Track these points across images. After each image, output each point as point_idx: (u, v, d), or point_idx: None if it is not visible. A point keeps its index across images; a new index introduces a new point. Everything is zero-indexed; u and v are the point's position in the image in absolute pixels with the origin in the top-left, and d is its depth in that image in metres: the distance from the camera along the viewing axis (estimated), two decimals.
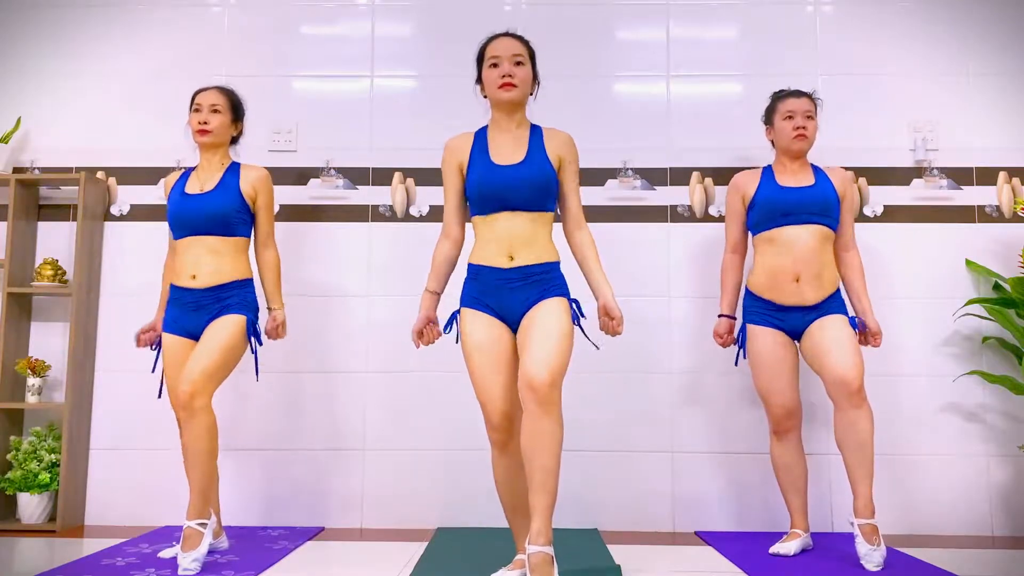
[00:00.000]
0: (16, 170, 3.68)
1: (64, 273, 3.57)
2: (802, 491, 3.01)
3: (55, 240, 3.66)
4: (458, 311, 2.51)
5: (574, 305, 2.46)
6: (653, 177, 3.65)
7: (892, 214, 3.60)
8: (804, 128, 2.99)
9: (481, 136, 2.55)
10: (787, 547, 2.91)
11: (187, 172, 2.97)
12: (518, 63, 2.49)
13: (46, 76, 3.76)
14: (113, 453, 3.54)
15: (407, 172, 3.66)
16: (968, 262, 3.54)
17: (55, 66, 3.76)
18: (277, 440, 3.54)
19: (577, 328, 2.45)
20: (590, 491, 3.47)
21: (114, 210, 3.68)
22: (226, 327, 2.78)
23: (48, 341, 3.62)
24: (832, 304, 2.92)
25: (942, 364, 3.52)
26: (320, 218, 3.66)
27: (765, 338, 2.96)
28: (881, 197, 3.61)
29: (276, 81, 3.74)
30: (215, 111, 2.93)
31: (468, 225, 2.58)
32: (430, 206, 3.64)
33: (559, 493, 2.32)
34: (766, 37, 3.72)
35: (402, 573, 2.66)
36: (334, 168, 3.67)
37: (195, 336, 2.83)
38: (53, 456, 3.38)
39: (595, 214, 3.52)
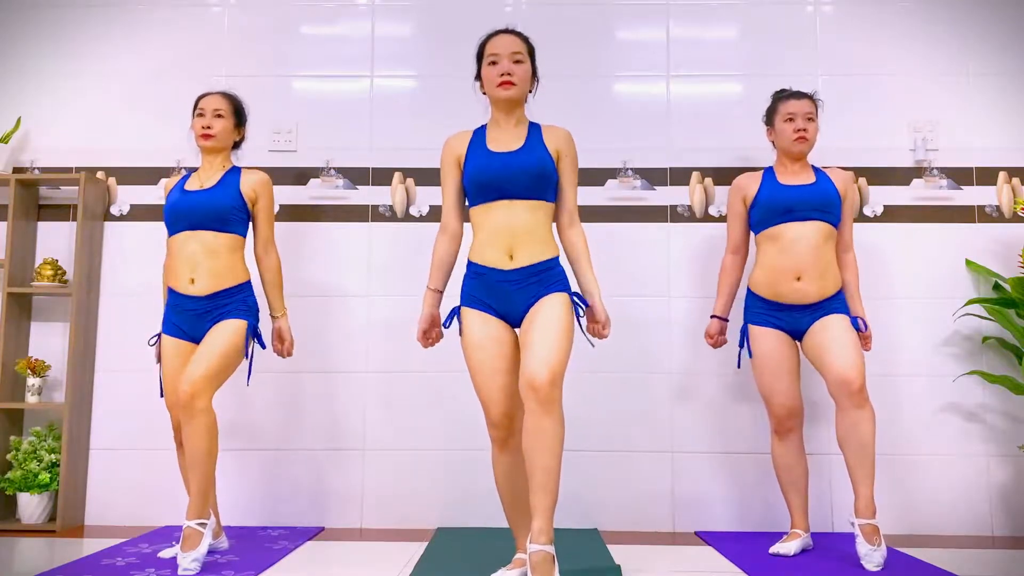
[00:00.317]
0: (16, 170, 3.68)
1: (64, 273, 3.57)
2: (803, 491, 3.01)
3: (55, 240, 3.66)
4: (458, 308, 2.51)
5: (575, 299, 2.46)
6: (653, 177, 3.65)
7: (892, 214, 3.60)
8: (805, 130, 2.99)
9: (480, 133, 2.56)
10: (787, 547, 2.91)
11: (187, 174, 2.98)
12: (517, 61, 2.49)
13: (46, 76, 3.76)
14: (113, 453, 3.54)
15: (407, 172, 3.66)
16: (968, 262, 3.55)
17: (55, 66, 3.76)
18: (277, 440, 3.54)
19: (578, 325, 2.45)
20: (590, 491, 3.47)
21: (114, 210, 3.68)
22: (227, 331, 2.77)
23: (48, 341, 3.62)
24: (834, 303, 2.92)
25: (942, 364, 3.52)
26: (320, 218, 3.66)
27: (767, 338, 2.96)
28: (881, 197, 3.61)
29: (276, 81, 3.74)
30: (218, 116, 2.93)
31: (468, 225, 2.58)
32: (430, 206, 3.64)
33: (559, 493, 2.32)
34: (766, 37, 3.73)
35: (402, 573, 2.66)
36: (334, 168, 3.67)
37: (195, 340, 2.83)
38: (53, 456, 3.38)
39: (595, 214, 3.52)
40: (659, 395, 3.53)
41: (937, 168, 3.59)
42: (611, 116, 3.69)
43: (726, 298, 3.14)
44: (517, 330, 2.47)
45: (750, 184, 3.06)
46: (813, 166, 3.06)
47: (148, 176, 3.67)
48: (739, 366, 3.17)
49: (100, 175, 3.68)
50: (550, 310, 2.37)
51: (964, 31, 3.70)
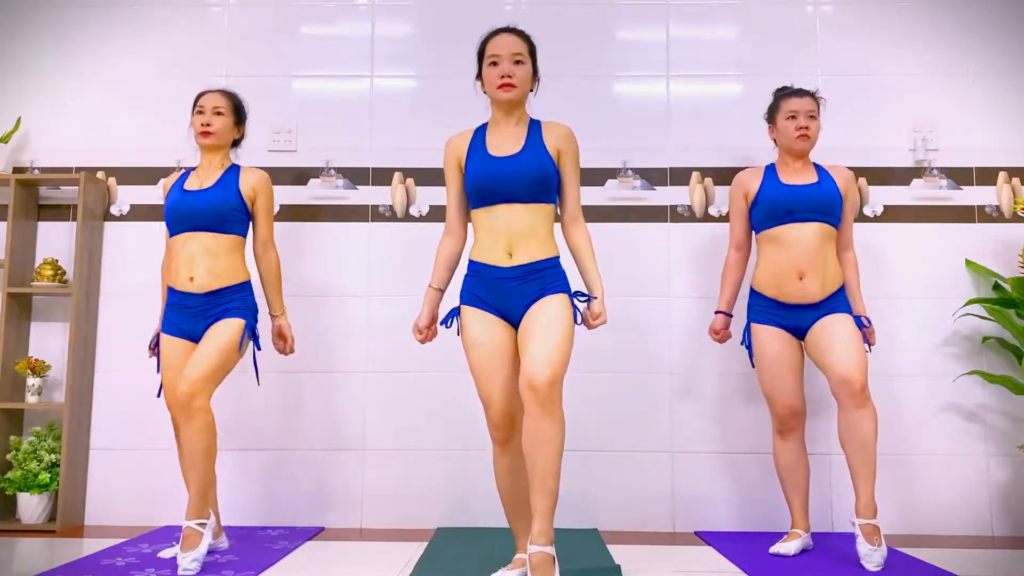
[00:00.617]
0: (16, 170, 3.67)
1: (64, 273, 3.57)
2: (804, 491, 3.01)
3: (55, 240, 3.66)
4: (458, 307, 2.51)
5: (575, 300, 2.46)
6: (653, 177, 3.65)
7: (892, 214, 3.60)
8: (807, 128, 2.98)
9: (480, 133, 2.55)
10: (787, 547, 2.91)
11: (186, 172, 2.98)
12: (518, 62, 2.48)
13: (46, 76, 3.76)
14: (113, 453, 3.54)
15: (407, 172, 3.66)
16: (968, 262, 3.54)
17: (55, 66, 3.76)
18: (277, 440, 3.54)
19: (578, 325, 2.45)
20: (590, 491, 3.47)
21: (114, 210, 3.68)
22: (226, 330, 2.77)
23: (48, 341, 3.62)
24: (836, 301, 2.92)
25: (942, 364, 3.52)
26: (320, 218, 3.66)
27: (770, 337, 2.96)
28: (881, 197, 3.61)
29: (276, 81, 3.74)
30: (218, 113, 2.93)
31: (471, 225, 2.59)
32: (430, 206, 3.64)
33: (559, 493, 2.32)
34: (766, 37, 3.72)
35: (402, 573, 2.66)
36: (334, 168, 3.67)
37: (194, 339, 2.83)
38: (53, 456, 3.38)
39: (595, 214, 3.52)
40: (659, 395, 3.53)
41: (937, 168, 3.59)
42: (611, 116, 3.69)
43: (730, 294, 3.13)
44: (517, 329, 2.47)
45: (752, 181, 3.06)
46: (815, 164, 3.06)
47: (148, 176, 3.67)
48: (753, 366, 3.11)
49: (100, 175, 3.68)
50: (550, 311, 2.37)
51: (964, 31, 3.70)
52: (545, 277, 2.42)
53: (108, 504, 3.51)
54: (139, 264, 3.60)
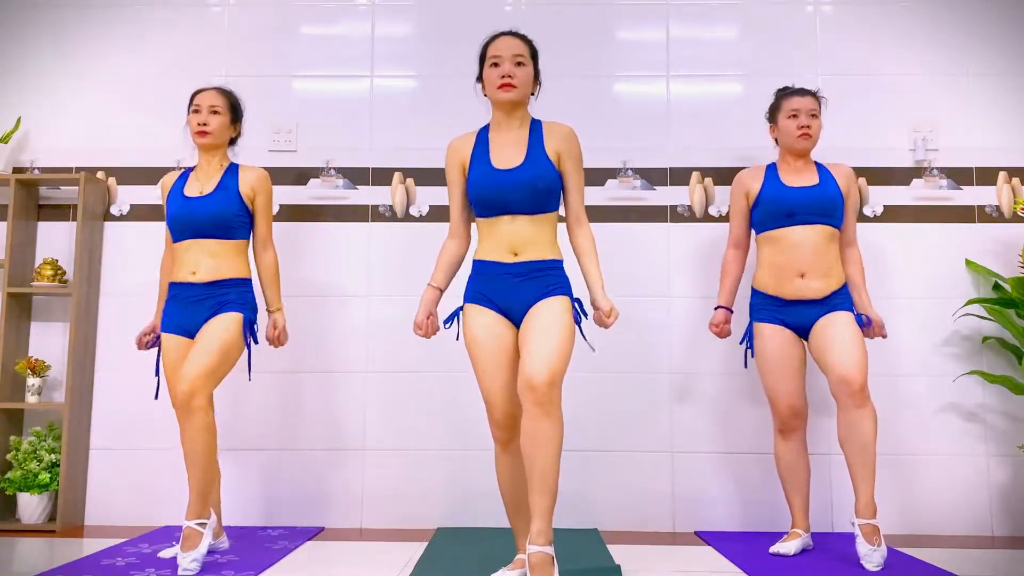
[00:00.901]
0: (16, 170, 3.68)
1: (64, 273, 3.57)
2: (804, 491, 3.01)
3: (55, 240, 3.66)
4: (461, 307, 2.51)
5: (576, 304, 2.46)
6: (653, 177, 3.65)
7: (892, 214, 3.60)
8: (808, 127, 2.98)
9: (483, 136, 2.54)
10: (787, 547, 2.91)
11: (185, 173, 2.97)
12: (519, 63, 2.48)
13: (46, 76, 3.76)
14: (113, 453, 3.54)
15: (407, 172, 3.66)
16: (968, 262, 3.54)
17: (55, 66, 3.76)
18: (277, 440, 3.54)
19: (578, 329, 2.45)
20: (590, 491, 3.47)
21: (114, 210, 3.68)
22: (224, 325, 2.77)
23: (48, 341, 3.62)
24: (838, 299, 2.91)
25: (942, 364, 3.52)
26: (320, 218, 3.66)
27: (772, 337, 2.96)
28: (881, 197, 3.61)
29: (276, 81, 3.74)
30: (214, 112, 2.92)
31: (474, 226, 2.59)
32: (430, 206, 3.64)
33: (559, 493, 2.32)
34: (766, 37, 3.72)
35: (402, 573, 2.66)
36: (334, 168, 3.67)
37: (193, 334, 2.83)
38: (53, 456, 3.38)
39: (595, 214, 3.51)
40: (659, 395, 3.53)
41: (937, 168, 3.59)
42: (611, 116, 3.69)
43: (729, 290, 3.13)
44: (518, 328, 2.47)
45: (753, 181, 3.06)
46: (816, 162, 3.06)
47: (148, 176, 3.67)
48: (746, 366, 3.16)
49: (100, 175, 3.68)
50: (550, 312, 2.37)
51: (964, 31, 3.70)
52: (547, 277, 2.42)
53: (108, 504, 3.51)
54: (139, 264, 3.60)
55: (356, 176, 3.67)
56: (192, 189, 2.90)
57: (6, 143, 3.65)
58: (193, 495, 2.66)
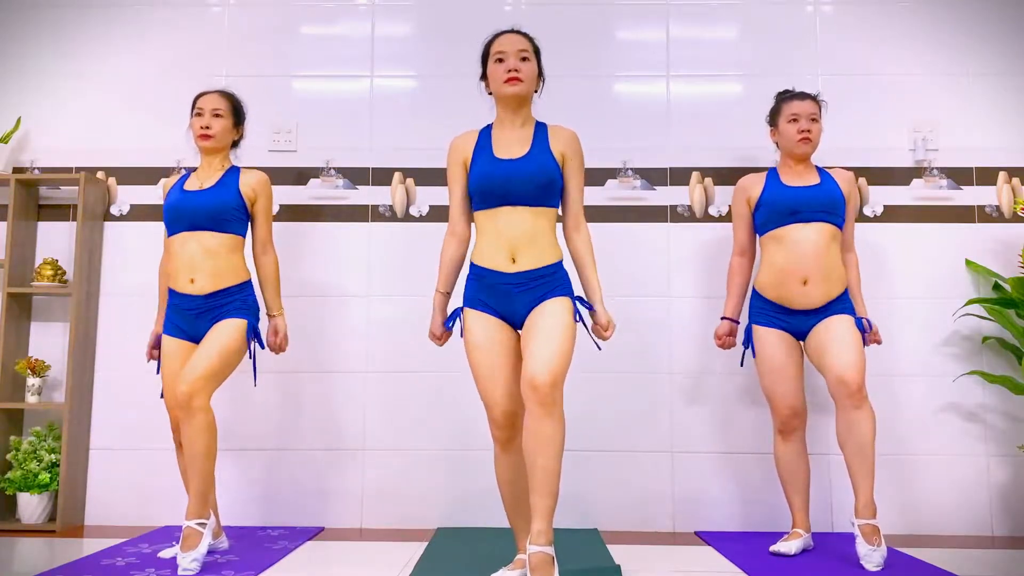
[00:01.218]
0: (16, 170, 3.67)
1: (64, 273, 3.57)
2: (804, 491, 3.01)
3: (55, 240, 3.66)
4: (460, 309, 2.51)
5: (577, 303, 2.46)
6: (653, 177, 3.65)
7: (892, 214, 3.60)
8: (808, 131, 2.99)
9: (485, 133, 2.55)
10: (787, 547, 2.91)
11: (186, 174, 2.98)
12: (524, 59, 2.48)
13: (46, 76, 3.76)
14: (113, 453, 3.54)
15: (407, 172, 3.66)
16: (968, 262, 3.54)
17: (55, 66, 3.76)
18: (277, 440, 3.54)
19: (581, 326, 2.45)
20: (590, 491, 3.47)
21: (114, 210, 3.68)
22: (227, 331, 2.77)
23: (48, 341, 3.62)
24: (838, 305, 2.92)
25: (942, 364, 3.52)
26: (320, 218, 3.66)
27: (771, 339, 2.96)
28: (881, 197, 3.61)
29: (276, 81, 3.74)
30: (217, 115, 2.92)
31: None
32: (430, 206, 3.64)
33: (559, 493, 2.32)
34: (766, 37, 3.72)
35: (402, 573, 2.66)
36: (334, 168, 3.67)
37: (195, 339, 2.83)
38: (53, 456, 3.38)
39: (595, 214, 3.52)
40: (659, 395, 3.53)
41: (937, 168, 3.59)
42: (611, 116, 3.69)
43: (736, 300, 3.13)
44: (519, 331, 2.47)
45: (754, 185, 3.06)
46: (817, 166, 3.06)
47: (148, 176, 3.67)
48: (742, 364, 3.17)
49: (100, 175, 3.68)
50: (552, 313, 2.37)
51: (964, 31, 3.70)
52: (548, 282, 2.42)
53: (108, 504, 3.51)
54: (139, 264, 3.60)
55: (356, 176, 3.67)
56: (192, 185, 2.91)
57: (6, 143, 3.65)
58: (193, 495, 2.66)
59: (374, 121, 3.71)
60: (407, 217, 3.65)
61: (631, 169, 3.63)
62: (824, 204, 2.93)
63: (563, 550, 2.66)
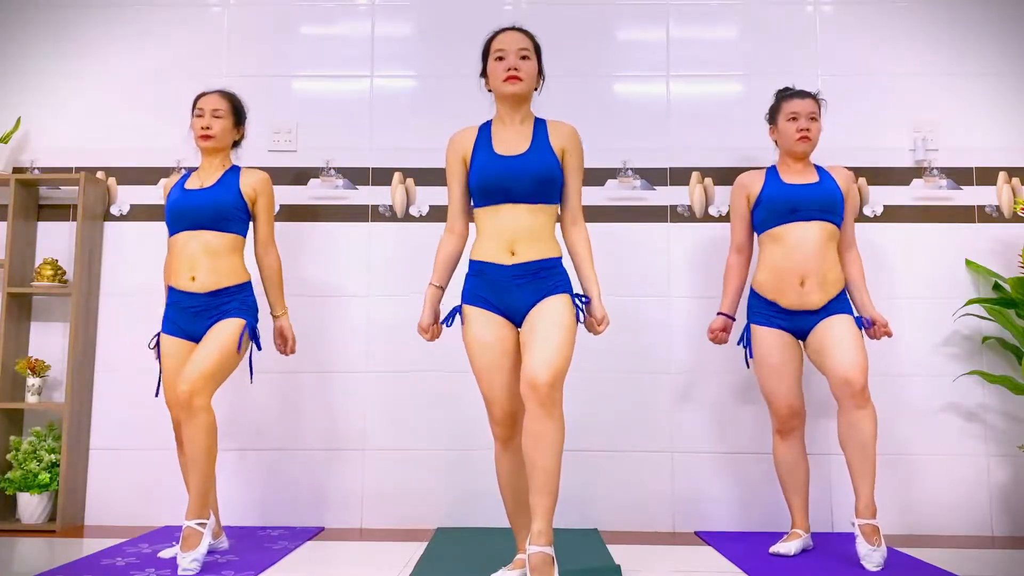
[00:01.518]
0: (16, 170, 3.67)
1: (64, 273, 3.57)
2: (804, 491, 3.01)
3: (55, 240, 3.66)
4: (459, 306, 2.51)
5: (577, 300, 2.45)
6: (653, 177, 3.65)
7: (892, 214, 3.60)
8: (808, 130, 2.99)
9: (485, 130, 2.54)
10: (787, 547, 2.91)
11: (187, 174, 2.98)
12: (524, 57, 2.48)
13: (46, 76, 3.76)
14: (113, 453, 3.54)
15: (407, 172, 3.66)
16: (968, 262, 3.54)
17: (55, 66, 3.76)
18: (276, 440, 3.54)
19: (581, 325, 2.45)
20: (590, 491, 3.47)
21: (114, 210, 3.68)
22: (227, 330, 2.77)
23: (48, 341, 3.62)
24: (837, 305, 2.92)
25: (942, 364, 3.52)
26: (320, 218, 3.66)
27: (770, 339, 2.96)
28: (881, 197, 3.61)
29: (276, 81, 3.74)
30: (217, 116, 2.92)
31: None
32: (430, 206, 3.64)
33: (559, 493, 2.32)
34: (766, 37, 3.72)
35: (402, 573, 2.66)
36: (334, 168, 3.67)
37: (195, 339, 2.83)
38: (53, 456, 3.38)
39: (595, 214, 3.52)
40: (659, 395, 3.53)
41: (937, 168, 3.59)
42: (611, 116, 3.69)
43: (732, 297, 3.13)
44: (519, 329, 2.47)
45: (753, 183, 3.06)
46: (815, 165, 3.06)
47: (148, 176, 3.67)
48: (748, 366, 3.14)
49: (100, 175, 3.68)
50: (552, 311, 2.37)
51: (964, 31, 3.70)
52: (548, 277, 2.42)
53: (108, 504, 3.51)
54: (139, 264, 3.60)
55: (356, 176, 3.67)
56: (193, 184, 2.91)
57: (6, 143, 3.65)
58: (193, 495, 2.66)
59: (374, 121, 3.71)
60: (407, 217, 3.65)
61: (631, 169, 3.63)
62: (823, 203, 2.93)
63: (563, 550, 2.66)
